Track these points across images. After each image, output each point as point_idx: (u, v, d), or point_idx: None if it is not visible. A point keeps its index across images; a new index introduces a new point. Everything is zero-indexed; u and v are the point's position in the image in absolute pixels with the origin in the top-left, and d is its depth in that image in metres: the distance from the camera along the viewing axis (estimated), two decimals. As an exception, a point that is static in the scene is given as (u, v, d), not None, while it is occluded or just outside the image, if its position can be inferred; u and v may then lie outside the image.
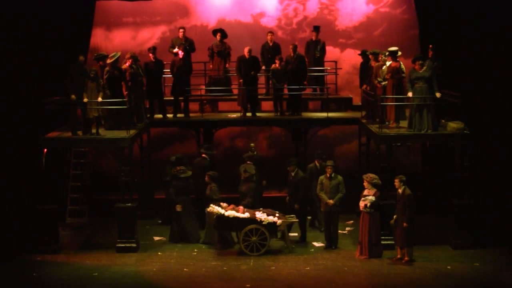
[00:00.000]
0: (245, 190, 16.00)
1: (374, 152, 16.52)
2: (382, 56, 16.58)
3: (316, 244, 15.89)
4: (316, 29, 19.34)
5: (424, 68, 15.46)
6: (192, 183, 16.35)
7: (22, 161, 17.02)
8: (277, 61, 18.06)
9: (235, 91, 18.96)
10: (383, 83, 16.19)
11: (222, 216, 15.26)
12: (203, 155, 17.26)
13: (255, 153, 17.58)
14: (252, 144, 17.80)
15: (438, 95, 15.39)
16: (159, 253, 15.50)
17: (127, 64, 16.71)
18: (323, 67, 19.45)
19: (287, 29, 20.82)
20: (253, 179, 16.09)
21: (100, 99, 15.72)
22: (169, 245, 15.94)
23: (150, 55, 17.78)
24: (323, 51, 19.41)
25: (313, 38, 19.38)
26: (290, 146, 18.97)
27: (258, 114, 18.44)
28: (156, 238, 16.49)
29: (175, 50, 18.38)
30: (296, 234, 16.35)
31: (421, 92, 15.38)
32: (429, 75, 15.40)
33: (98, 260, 15.04)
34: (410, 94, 15.53)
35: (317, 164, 16.47)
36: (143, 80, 17.29)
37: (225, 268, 14.46)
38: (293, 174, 16.16)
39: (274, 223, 15.21)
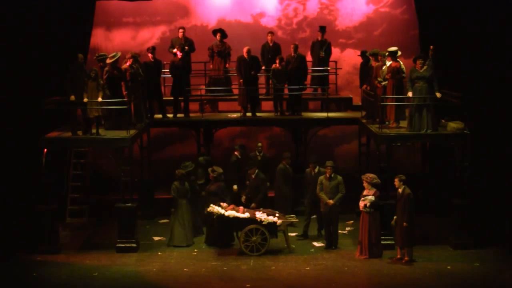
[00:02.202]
0: (214, 190, 15.98)
1: (374, 152, 16.52)
2: (381, 56, 16.58)
3: (316, 244, 15.89)
4: (322, 29, 19.31)
5: (425, 67, 15.45)
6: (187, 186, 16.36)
7: (22, 161, 17.02)
8: (277, 61, 18.07)
9: (235, 91, 18.97)
10: (383, 83, 16.19)
11: (222, 216, 15.27)
12: (236, 153, 17.33)
13: (262, 153, 17.58)
14: (259, 144, 17.78)
15: (438, 95, 15.39)
16: (159, 253, 15.50)
17: (127, 64, 16.71)
18: (328, 67, 19.43)
19: (287, 29, 20.83)
20: (221, 178, 16.06)
21: (100, 99, 15.72)
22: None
23: (149, 55, 17.78)
24: (328, 51, 19.37)
25: (319, 38, 19.36)
26: (290, 146, 18.97)
27: (258, 114, 18.45)
28: (156, 238, 16.48)
29: (175, 50, 18.38)
30: (296, 234, 16.37)
31: (421, 92, 15.38)
32: (430, 75, 15.40)
33: (98, 260, 15.04)
34: (410, 94, 15.53)
35: (313, 171, 16.15)
36: (143, 80, 17.28)
37: (225, 268, 14.46)
38: (253, 176, 16.23)
39: (274, 223, 15.21)
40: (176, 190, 15.97)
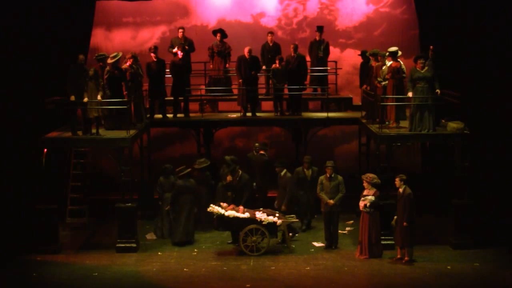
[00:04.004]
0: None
1: (374, 152, 16.52)
2: (380, 56, 16.57)
3: (316, 244, 15.89)
4: (320, 29, 19.33)
5: (426, 68, 15.44)
6: (194, 182, 16.35)
7: (22, 161, 17.02)
8: (277, 61, 18.07)
9: (235, 91, 18.97)
10: (383, 83, 16.19)
11: (222, 216, 15.27)
12: (261, 152, 17.41)
13: (260, 153, 17.59)
14: (256, 144, 17.75)
15: (438, 91, 15.43)
16: (159, 253, 15.50)
17: (127, 64, 16.70)
18: (327, 67, 19.44)
19: (287, 29, 20.83)
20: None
21: (99, 98, 15.69)
22: (169, 245, 15.94)
23: (152, 54, 17.74)
24: (326, 51, 19.39)
25: (317, 38, 19.37)
26: (290, 146, 18.97)
27: (258, 114, 18.45)
28: (148, 237, 16.47)
29: (175, 50, 18.38)
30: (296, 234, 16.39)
31: (423, 92, 15.36)
32: (431, 75, 15.40)
33: (98, 260, 15.04)
34: (410, 94, 15.52)
35: (279, 174, 16.54)
36: (142, 80, 17.29)
37: (225, 268, 14.47)
38: (238, 178, 16.20)
39: (274, 223, 15.21)
40: (160, 185, 16.32)
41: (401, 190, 14.56)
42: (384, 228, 15.00)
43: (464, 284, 13.60)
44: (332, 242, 15.56)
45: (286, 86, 18.30)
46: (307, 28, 20.66)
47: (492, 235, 15.88)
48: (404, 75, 16.03)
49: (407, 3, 20.30)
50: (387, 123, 16.14)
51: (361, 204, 14.82)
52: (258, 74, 18.41)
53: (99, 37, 20.39)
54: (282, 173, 16.51)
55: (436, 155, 18.27)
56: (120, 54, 16.41)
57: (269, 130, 20.69)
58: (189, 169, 16.27)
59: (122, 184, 15.62)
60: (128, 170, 15.64)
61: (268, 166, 17.10)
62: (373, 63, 16.86)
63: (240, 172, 16.28)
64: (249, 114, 18.30)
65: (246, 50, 17.99)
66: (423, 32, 19.00)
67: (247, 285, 13.55)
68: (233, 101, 18.95)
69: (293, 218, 15.69)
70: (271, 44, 19.23)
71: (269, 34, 19.34)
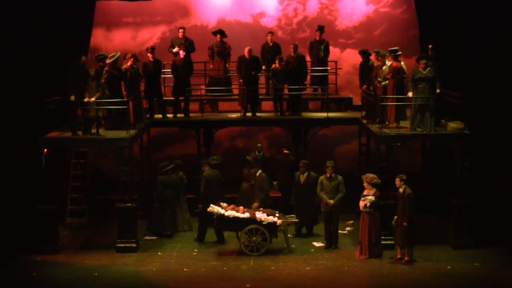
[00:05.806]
0: None
1: (374, 152, 16.52)
2: (380, 56, 16.56)
3: (316, 244, 15.89)
4: (321, 29, 19.33)
5: (428, 69, 15.42)
6: (179, 177, 16.52)
7: (22, 161, 17.02)
8: (277, 61, 18.07)
9: (235, 91, 18.97)
10: (383, 83, 16.18)
11: (222, 216, 15.28)
12: (285, 151, 17.53)
13: (262, 153, 17.60)
14: (259, 145, 17.81)
15: (437, 91, 15.43)
16: (159, 253, 15.50)
17: (128, 64, 16.70)
18: (327, 67, 19.43)
19: (287, 29, 20.83)
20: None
21: (93, 99, 15.67)
22: (169, 245, 15.95)
23: (149, 55, 17.75)
24: (327, 51, 19.39)
25: (317, 37, 19.37)
26: (290, 146, 18.95)
27: (258, 114, 18.44)
28: (147, 238, 16.48)
29: (175, 50, 18.38)
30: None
31: (424, 93, 15.36)
32: (433, 76, 15.40)
33: (98, 260, 15.05)
34: (410, 94, 15.52)
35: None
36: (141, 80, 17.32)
37: (225, 268, 14.47)
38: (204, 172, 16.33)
39: (274, 223, 15.21)
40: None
41: (401, 190, 14.56)
42: (384, 228, 15.00)
43: (464, 284, 13.60)
44: (332, 242, 15.56)
45: (286, 86, 18.30)
46: (307, 28, 20.66)
47: (492, 235, 15.88)
48: (404, 75, 16.02)
49: (407, 3, 20.29)
50: (387, 123, 16.13)
51: (361, 204, 14.82)
52: (258, 74, 18.41)
53: (99, 37, 20.39)
54: (258, 174, 16.47)
55: (436, 155, 18.25)
56: (118, 53, 16.40)
57: (269, 130, 20.68)
58: (172, 165, 16.50)
59: (122, 184, 15.63)
60: (128, 170, 15.65)
61: (294, 166, 17.02)
62: (375, 62, 16.83)
63: (208, 167, 16.31)
64: (249, 114, 18.30)
65: (246, 50, 17.99)
66: (423, 32, 18.97)
67: (247, 285, 13.55)
68: (233, 101, 18.95)
69: (293, 218, 15.69)
70: (271, 44, 19.23)
71: (269, 34, 19.34)
